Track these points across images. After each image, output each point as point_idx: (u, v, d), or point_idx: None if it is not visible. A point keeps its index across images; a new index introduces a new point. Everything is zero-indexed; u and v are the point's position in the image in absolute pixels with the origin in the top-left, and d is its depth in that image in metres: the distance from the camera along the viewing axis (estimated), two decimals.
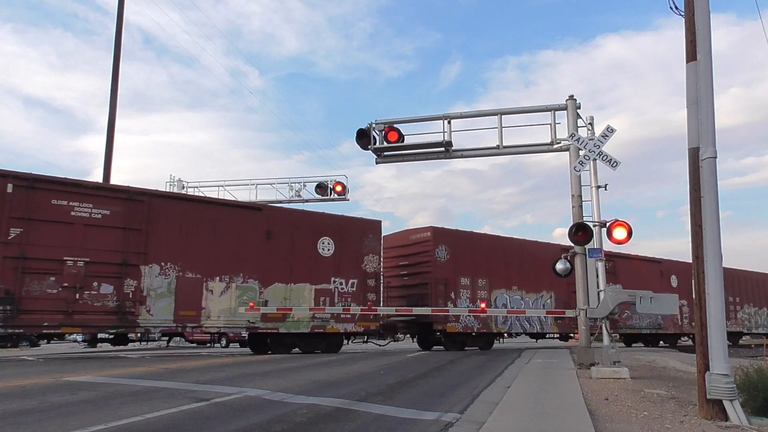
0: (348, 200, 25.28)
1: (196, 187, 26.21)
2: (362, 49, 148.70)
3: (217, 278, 15.82)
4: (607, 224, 12.54)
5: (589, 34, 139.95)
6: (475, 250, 21.65)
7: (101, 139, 19.51)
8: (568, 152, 14.73)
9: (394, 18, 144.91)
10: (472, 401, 7.45)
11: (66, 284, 13.52)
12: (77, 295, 13.64)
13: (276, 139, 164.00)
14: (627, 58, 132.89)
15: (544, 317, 23.04)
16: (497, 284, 22.05)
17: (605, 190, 13.21)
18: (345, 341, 19.17)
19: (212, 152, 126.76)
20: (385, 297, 21.01)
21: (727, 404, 6.20)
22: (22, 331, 13.88)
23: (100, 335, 18.79)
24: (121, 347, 22.81)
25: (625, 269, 25.90)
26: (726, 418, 6.15)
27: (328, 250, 18.08)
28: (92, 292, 13.86)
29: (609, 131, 12.41)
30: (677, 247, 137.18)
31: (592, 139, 12.95)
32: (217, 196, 22.53)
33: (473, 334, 21.06)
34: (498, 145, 15.85)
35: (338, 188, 24.87)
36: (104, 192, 14.68)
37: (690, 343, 30.54)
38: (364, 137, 16.47)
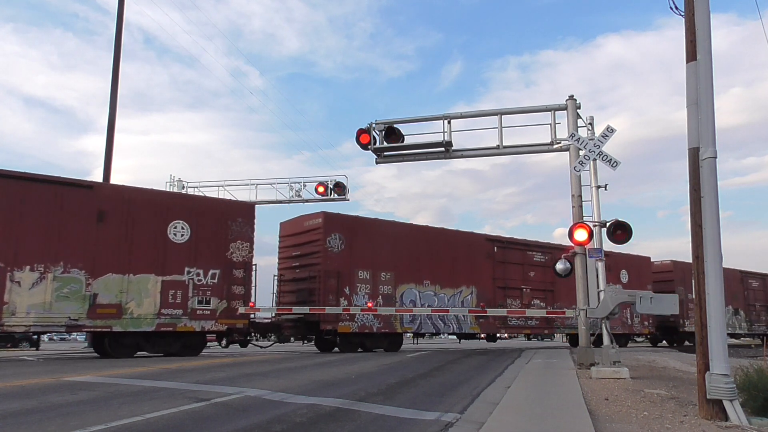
0: (348, 200, 25.33)
1: (196, 187, 26.22)
2: (363, 49, 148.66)
3: (27, 267, 13.53)
4: (607, 224, 12.55)
5: (590, 34, 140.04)
6: (377, 240, 19.35)
7: (102, 138, 19.58)
8: (568, 152, 14.74)
9: (395, 18, 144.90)
10: (473, 401, 7.45)
11: None
12: None
13: (277, 139, 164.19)
14: (628, 57, 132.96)
15: (465, 316, 20.81)
16: (404, 278, 19.76)
17: (605, 190, 13.23)
18: (220, 343, 17.36)
19: (213, 152, 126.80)
20: (278, 292, 19.73)
21: (727, 404, 6.19)
22: None
23: None
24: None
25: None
26: (726, 418, 6.15)
27: (182, 235, 15.71)
28: None
29: (609, 131, 12.41)
30: (677, 247, 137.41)
31: (592, 139, 12.95)
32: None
33: (373, 333, 18.94)
34: (498, 145, 15.86)
35: (338, 188, 24.90)
36: None
37: (644, 343, 29.94)
38: (364, 137, 16.48)
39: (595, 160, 12.73)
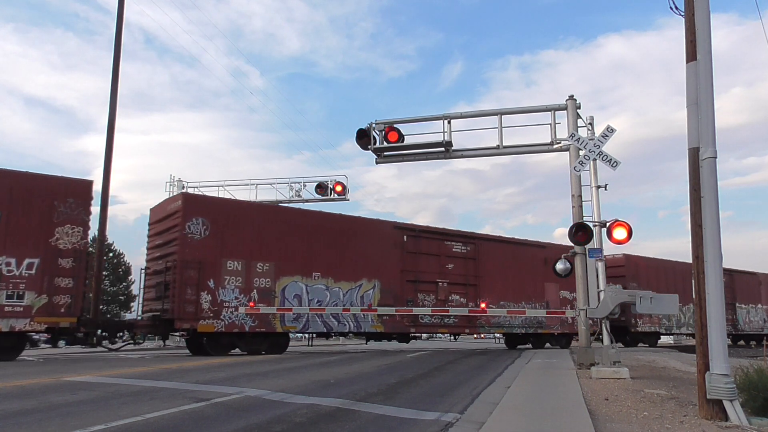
0: (348, 200, 25.34)
1: (196, 187, 26.20)
2: (364, 49, 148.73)
3: None
4: (607, 224, 12.54)
5: (590, 34, 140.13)
6: (253, 226, 16.92)
7: (102, 138, 19.53)
8: (568, 152, 14.75)
9: (396, 18, 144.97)
10: (472, 401, 7.44)
11: None
12: None
13: (277, 139, 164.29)
14: (629, 57, 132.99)
15: (365, 313, 18.44)
16: (288, 270, 17.30)
17: (605, 190, 13.23)
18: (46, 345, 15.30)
19: (213, 152, 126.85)
20: (144, 288, 17.58)
21: (727, 404, 6.19)
22: None
23: None
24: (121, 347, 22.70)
25: (494, 253, 22.27)
26: (726, 418, 6.15)
27: None
28: None
29: (609, 131, 12.40)
30: (678, 247, 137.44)
31: (592, 139, 12.95)
32: (216, 195, 22.44)
33: (245, 333, 16.53)
34: (498, 145, 15.87)
35: (338, 188, 24.89)
36: None
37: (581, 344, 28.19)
38: (364, 137, 16.49)
39: (595, 160, 12.72)
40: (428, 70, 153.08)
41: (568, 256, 13.70)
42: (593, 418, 6.21)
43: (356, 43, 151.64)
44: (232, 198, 16.97)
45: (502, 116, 15.88)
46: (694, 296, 6.73)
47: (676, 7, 7.26)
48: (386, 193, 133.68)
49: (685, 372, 12.86)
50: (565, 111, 14.86)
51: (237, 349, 17.20)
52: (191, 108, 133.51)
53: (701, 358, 6.47)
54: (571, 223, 13.14)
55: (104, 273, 27.46)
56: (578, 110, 14.74)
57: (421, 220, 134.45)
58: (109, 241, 43.19)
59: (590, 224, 12.77)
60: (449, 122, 16.17)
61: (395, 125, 16.61)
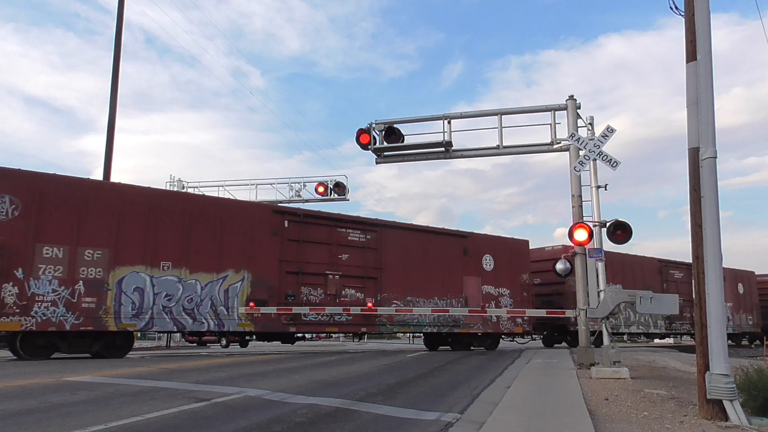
0: (348, 200, 25.36)
1: (196, 187, 26.23)
2: (364, 49, 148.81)
3: None
4: (607, 224, 12.56)
5: (591, 34, 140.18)
6: (81, 206, 14.16)
7: (102, 138, 19.54)
8: (568, 152, 14.75)
9: (397, 18, 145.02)
10: (472, 401, 7.45)
11: None
12: None
13: (277, 139, 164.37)
14: (629, 57, 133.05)
15: (231, 309, 15.88)
16: (127, 258, 14.58)
17: (605, 190, 13.24)
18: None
19: (214, 152, 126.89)
20: None
21: (727, 404, 6.19)
22: None
23: None
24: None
25: (400, 243, 19.62)
26: (726, 418, 6.15)
27: None
28: None
29: (609, 131, 12.41)
30: (678, 247, 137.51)
31: (592, 139, 12.96)
32: (217, 195, 22.37)
33: (66, 333, 13.76)
34: (498, 145, 15.87)
35: (338, 188, 24.92)
36: None
37: (519, 344, 25.17)
38: (363, 137, 16.50)
39: (595, 160, 12.73)
40: (429, 70, 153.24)
41: (568, 256, 13.71)
42: (593, 418, 6.22)
43: (357, 43, 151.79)
44: (54, 174, 14.06)
45: (502, 116, 15.88)
46: (694, 296, 6.73)
47: (676, 7, 7.27)
48: (387, 193, 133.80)
49: (685, 372, 12.87)
50: (565, 111, 14.87)
51: (243, 349, 16.84)
52: (191, 108, 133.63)
53: (701, 358, 6.48)
54: (572, 223, 13.15)
55: None
56: (578, 110, 14.75)
57: (422, 219, 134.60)
58: None
59: (590, 224, 12.78)
60: (449, 122, 16.18)
61: (395, 125, 16.63)
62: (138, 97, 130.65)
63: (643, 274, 26.96)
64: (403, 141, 16.64)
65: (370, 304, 18.05)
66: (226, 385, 8.33)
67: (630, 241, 12.61)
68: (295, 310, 16.63)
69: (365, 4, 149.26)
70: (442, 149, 16.44)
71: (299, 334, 18.60)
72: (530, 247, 23.87)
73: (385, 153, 16.98)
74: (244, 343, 29.88)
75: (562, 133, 14.96)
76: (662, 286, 27.08)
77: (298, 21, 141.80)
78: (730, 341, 31.42)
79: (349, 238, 18.62)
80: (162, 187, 23.20)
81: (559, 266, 13.64)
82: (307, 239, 17.73)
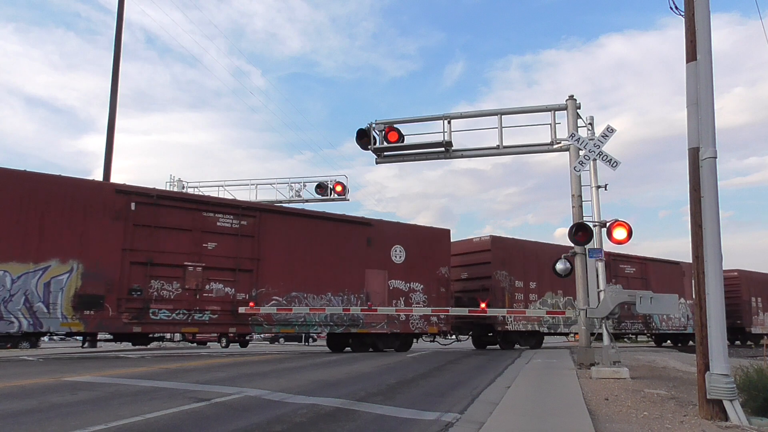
0: (348, 200, 25.34)
1: (196, 187, 26.22)
2: (365, 49, 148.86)
3: None
4: (607, 224, 12.55)
5: (592, 34, 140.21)
6: None
7: (103, 138, 19.53)
8: (568, 152, 14.75)
9: (398, 17, 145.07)
10: (472, 401, 7.44)
11: None
12: None
13: (278, 138, 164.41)
14: (630, 57, 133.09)
15: (54, 304, 13.19)
16: None
17: (605, 190, 13.23)
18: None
19: (214, 152, 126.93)
20: None
21: (727, 404, 6.20)
22: None
23: None
24: (121, 347, 22.71)
25: (285, 230, 17.09)
26: (726, 418, 6.15)
27: None
28: None
29: (609, 131, 12.41)
30: (678, 247, 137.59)
31: (592, 139, 12.96)
32: (217, 196, 22.19)
33: None
34: (498, 145, 15.87)
35: (338, 188, 24.92)
36: None
37: (441, 346, 22.30)
38: (364, 137, 16.51)
39: (595, 160, 12.73)
40: (430, 69, 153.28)
41: (568, 256, 13.70)
42: (593, 418, 6.22)
43: (358, 43, 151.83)
44: None
45: (502, 116, 15.88)
46: (694, 296, 6.73)
47: (676, 7, 7.27)
48: (387, 193, 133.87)
49: (685, 372, 12.87)
50: (565, 111, 14.87)
51: (243, 349, 16.47)
52: (192, 108, 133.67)
53: (701, 358, 6.48)
54: (571, 223, 13.15)
55: None
56: (578, 110, 14.76)
57: (422, 219, 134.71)
58: None
59: (590, 224, 12.77)
60: (449, 122, 16.18)
61: (395, 125, 16.63)
62: (139, 97, 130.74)
63: None
64: (403, 141, 16.64)
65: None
66: (226, 385, 8.33)
67: (630, 240, 12.59)
68: (296, 310, 16.14)
69: (366, 4, 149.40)
70: (442, 149, 16.44)
71: (154, 335, 15.99)
72: (462, 239, 22.40)
73: (385, 153, 16.98)
74: (244, 344, 29.89)
75: (562, 133, 14.97)
76: (610, 282, 24.17)
77: (299, 21, 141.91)
78: (691, 342, 28.24)
79: (219, 224, 16.02)
80: (162, 187, 22.81)
81: (559, 266, 13.60)
82: (162, 225, 15.14)
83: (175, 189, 25.66)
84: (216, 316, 15.59)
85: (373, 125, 16.56)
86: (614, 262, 25.38)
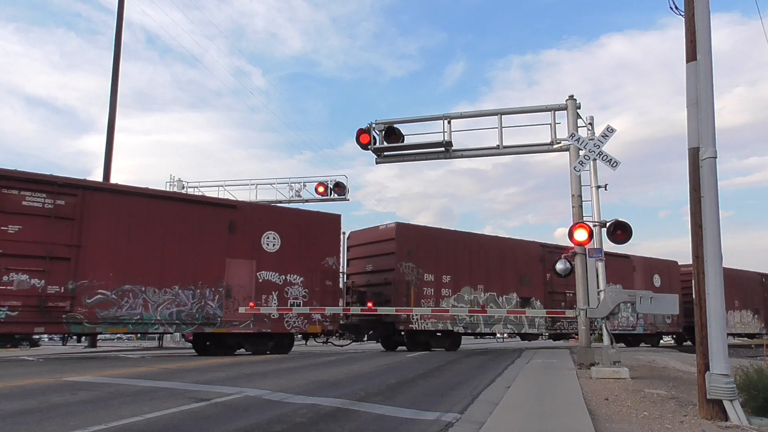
0: (348, 200, 25.39)
1: (196, 187, 26.22)
2: (366, 49, 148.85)
3: None
4: (607, 224, 12.56)
5: (593, 34, 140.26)
6: None
7: (103, 138, 19.53)
8: (568, 152, 14.75)
9: (399, 17, 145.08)
10: (472, 401, 7.44)
11: None
12: None
13: (278, 138, 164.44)
14: (631, 57, 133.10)
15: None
16: None
17: (605, 190, 13.26)
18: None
19: (215, 152, 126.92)
20: None
21: (727, 404, 6.19)
22: None
23: None
24: (121, 347, 22.64)
25: (119, 212, 14.48)
26: (726, 418, 6.15)
27: None
28: None
29: (609, 131, 12.41)
30: (679, 247, 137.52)
31: (592, 139, 12.97)
32: (217, 196, 22.10)
33: None
34: (498, 145, 15.87)
35: (338, 188, 24.93)
36: None
37: (337, 347, 20.49)
38: (364, 137, 16.50)
39: (595, 160, 12.73)
40: (431, 69, 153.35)
41: (568, 255, 13.70)
42: (593, 418, 6.21)
43: (358, 43, 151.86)
44: None
45: (502, 116, 15.89)
46: (694, 296, 6.73)
47: (676, 7, 7.26)
48: (387, 193, 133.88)
49: (685, 372, 12.86)
50: (565, 111, 14.87)
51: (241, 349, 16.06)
52: (192, 108, 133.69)
53: (701, 358, 6.48)
54: (572, 223, 13.14)
55: None
56: (578, 110, 14.76)
57: (423, 219, 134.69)
58: None
59: (590, 224, 12.77)
60: (449, 122, 16.18)
61: (395, 125, 16.63)
62: (139, 97, 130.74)
63: (526, 260, 22.35)
64: (403, 141, 16.65)
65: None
66: (225, 385, 8.33)
67: (630, 240, 12.60)
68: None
69: (367, 4, 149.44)
70: (442, 149, 16.44)
71: None
72: (369, 226, 20.15)
73: (385, 153, 16.98)
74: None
75: (563, 133, 14.97)
76: (545, 277, 22.34)
77: (299, 21, 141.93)
78: (643, 343, 25.93)
79: (24, 203, 13.35)
80: (162, 187, 22.81)
81: (559, 266, 13.60)
82: None
83: (176, 189, 25.64)
84: (16, 313, 12.95)
85: (373, 125, 16.57)
86: (549, 255, 22.39)
